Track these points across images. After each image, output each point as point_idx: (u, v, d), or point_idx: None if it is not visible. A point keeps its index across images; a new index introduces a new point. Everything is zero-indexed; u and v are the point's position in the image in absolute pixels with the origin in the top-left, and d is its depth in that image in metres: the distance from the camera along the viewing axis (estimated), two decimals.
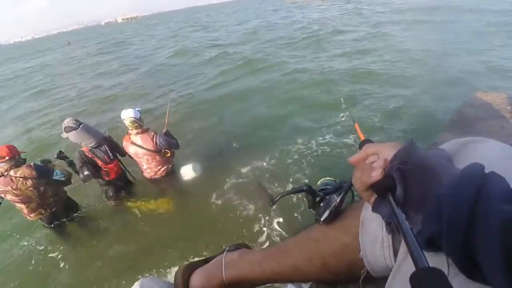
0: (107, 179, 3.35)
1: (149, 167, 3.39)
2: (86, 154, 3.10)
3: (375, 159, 0.49)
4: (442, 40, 8.56)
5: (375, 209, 0.50)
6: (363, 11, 16.34)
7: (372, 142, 0.69)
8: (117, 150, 3.34)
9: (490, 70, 5.90)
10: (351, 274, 0.64)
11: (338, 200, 0.69)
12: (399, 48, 8.64)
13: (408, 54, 7.94)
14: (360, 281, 0.64)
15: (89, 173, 3.01)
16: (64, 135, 2.97)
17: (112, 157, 3.22)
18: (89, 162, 3.10)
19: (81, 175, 3.02)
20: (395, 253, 0.56)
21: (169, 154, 3.37)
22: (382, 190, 0.46)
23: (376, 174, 0.46)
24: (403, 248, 0.53)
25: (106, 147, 3.18)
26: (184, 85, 8.64)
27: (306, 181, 3.53)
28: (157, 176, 3.47)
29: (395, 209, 0.42)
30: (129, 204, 3.54)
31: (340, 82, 6.63)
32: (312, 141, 4.37)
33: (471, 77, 5.68)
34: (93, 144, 3.07)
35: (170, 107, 3.93)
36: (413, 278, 0.29)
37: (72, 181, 3.18)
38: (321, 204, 0.71)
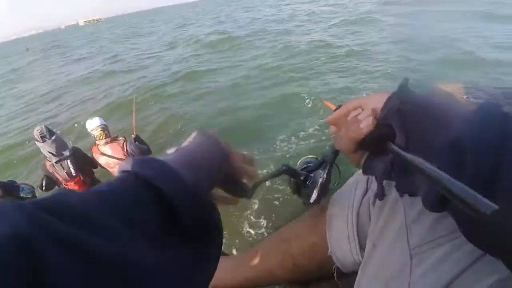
0: None
1: None
2: (47, 168, 2.93)
3: (360, 112, 0.42)
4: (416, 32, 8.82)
5: (367, 169, 0.43)
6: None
7: None
8: (89, 163, 3.17)
9: (460, 60, 6.16)
10: (322, 272, 0.65)
11: (325, 176, 0.60)
12: (374, 38, 8.93)
13: (380, 43, 8.22)
14: (336, 279, 0.65)
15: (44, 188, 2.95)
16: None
17: (74, 175, 3.00)
18: (49, 176, 2.97)
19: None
20: (362, 248, 0.58)
21: None
22: (379, 140, 0.37)
23: (368, 123, 0.38)
24: (370, 242, 0.54)
25: (69, 164, 2.94)
26: (148, 84, 8.40)
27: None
28: None
29: (404, 153, 0.32)
30: None
31: (304, 70, 6.79)
32: (285, 132, 4.37)
33: (440, 68, 5.95)
34: (52, 161, 2.88)
35: (135, 110, 3.79)
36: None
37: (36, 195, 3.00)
38: (307, 183, 0.62)
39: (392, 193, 0.53)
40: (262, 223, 2.92)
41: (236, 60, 9.31)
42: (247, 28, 14.93)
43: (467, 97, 2.07)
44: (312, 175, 0.62)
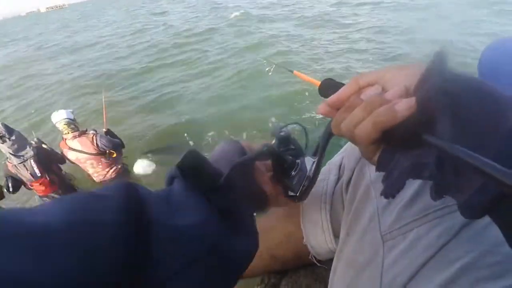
0: (39, 195, 3.01)
1: (95, 171, 3.13)
2: (9, 169, 2.75)
3: (379, 90, 0.32)
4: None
5: (384, 165, 0.32)
6: None
7: (336, 81, 0.54)
8: (55, 160, 3.00)
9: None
10: (298, 261, 0.65)
11: (313, 168, 0.47)
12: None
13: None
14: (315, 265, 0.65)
15: (11, 190, 2.79)
16: None
17: (39, 175, 2.81)
18: (12, 177, 2.79)
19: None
20: (336, 236, 0.58)
21: (115, 155, 3.14)
22: (414, 131, 0.28)
23: (408, 105, 0.27)
24: (343, 231, 0.54)
25: (33, 164, 2.74)
26: (117, 74, 8.06)
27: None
28: (107, 179, 3.22)
29: (448, 145, 0.25)
30: None
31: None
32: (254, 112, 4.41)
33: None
34: (12, 162, 2.70)
35: (105, 102, 3.64)
36: None
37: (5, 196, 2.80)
38: (292, 172, 0.47)
39: (364, 180, 0.53)
40: None
41: None
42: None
43: None
44: (298, 161, 0.48)
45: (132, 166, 3.51)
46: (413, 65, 0.31)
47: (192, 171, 0.36)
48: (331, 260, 0.57)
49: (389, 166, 0.32)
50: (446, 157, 0.27)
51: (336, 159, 0.62)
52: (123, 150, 3.39)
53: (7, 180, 2.75)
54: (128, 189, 0.29)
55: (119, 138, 3.22)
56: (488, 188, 0.24)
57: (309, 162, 0.49)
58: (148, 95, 6.29)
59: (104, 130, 3.19)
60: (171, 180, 0.37)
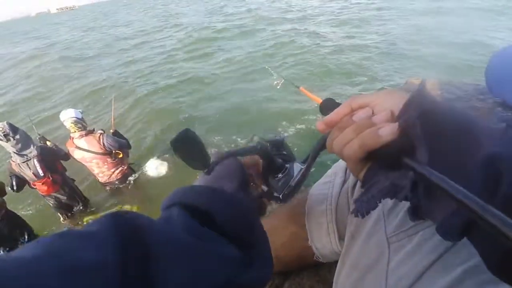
0: (42, 194, 3.02)
1: (101, 171, 3.16)
2: (13, 167, 2.77)
3: (369, 113, 0.35)
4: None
5: (368, 183, 0.35)
6: None
7: (335, 101, 0.60)
8: (60, 157, 3.03)
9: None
10: (301, 262, 0.66)
11: (300, 175, 0.50)
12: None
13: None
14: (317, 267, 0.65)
15: (15, 188, 2.83)
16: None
17: (42, 175, 2.83)
18: (16, 175, 2.82)
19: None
20: (341, 238, 0.58)
21: (121, 155, 3.16)
22: (395, 154, 0.30)
23: (391, 131, 0.30)
24: (349, 233, 0.55)
25: (36, 163, 2.75)
26: (127, 75, 8.18)
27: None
28: (112, 180, 3.25)
29: (426, 170, 0.27)
30: (83, 217, 3.24)
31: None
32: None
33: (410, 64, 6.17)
34: (16, 161, 2.73)
35: (114, 103, 3.71)
36: None
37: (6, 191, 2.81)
38: (279, 175, 0.50)
39: None
40: None
41: None
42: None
43: (441, 93, 2.15)
44: (287, 165, 0.51)
45: (142, 166, 3.54)
46: (402, 91, 0.35)
47: (184, 145, 0.38)
48: (336, 261, 0.57)
49: (369, 184, 0.35)
50: (423, 180, 0.29)
51: (342, 162, 0.63)
52: (131, 154, 3.42)
53: (11, 179, 2.78)
54: (118, 223, 0.26)
55: (126, 139, 3.24)
56: (461, 212, 0.26)
57: (297, 168, 0.51)
58: (158, 97, 6.36)
59: (112, 130, 3.23)
60: (167, 207, 0.35)
